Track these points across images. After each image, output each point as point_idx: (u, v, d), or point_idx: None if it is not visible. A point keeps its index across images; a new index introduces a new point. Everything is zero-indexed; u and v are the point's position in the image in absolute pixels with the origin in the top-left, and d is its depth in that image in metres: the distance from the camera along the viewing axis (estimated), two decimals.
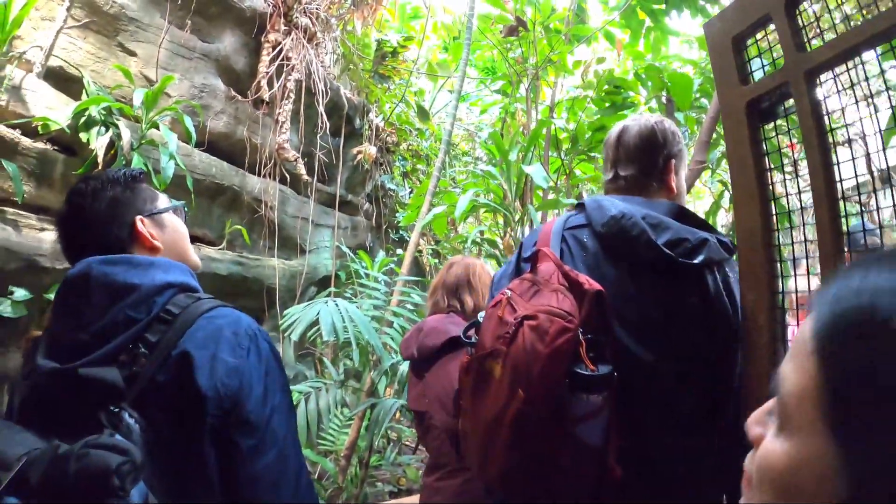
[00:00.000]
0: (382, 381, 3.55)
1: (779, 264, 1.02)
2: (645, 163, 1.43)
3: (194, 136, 3.71)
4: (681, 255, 1.22)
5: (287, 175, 5.06)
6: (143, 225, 1.17)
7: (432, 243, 6.93)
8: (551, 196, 4.53)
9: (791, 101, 1.07)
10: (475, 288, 2.26)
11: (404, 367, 3.49)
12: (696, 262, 1.21)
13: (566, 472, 1.13)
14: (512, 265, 1.49)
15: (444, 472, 2.03)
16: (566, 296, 1.15)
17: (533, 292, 1.20)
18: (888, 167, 1.54)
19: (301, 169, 4.89)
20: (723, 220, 5.61)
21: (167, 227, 1.22)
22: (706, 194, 7.66)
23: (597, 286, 1.16)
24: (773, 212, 1.03)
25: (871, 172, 2.10)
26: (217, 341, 1.04)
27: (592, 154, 5.25)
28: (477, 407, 1.22)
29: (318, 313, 3.10)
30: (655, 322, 1.24)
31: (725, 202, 5.10)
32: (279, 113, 4.64)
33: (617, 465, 1.12)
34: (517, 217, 4.01)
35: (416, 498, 2.37)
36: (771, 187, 1.05)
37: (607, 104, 4.99)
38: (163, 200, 1.24)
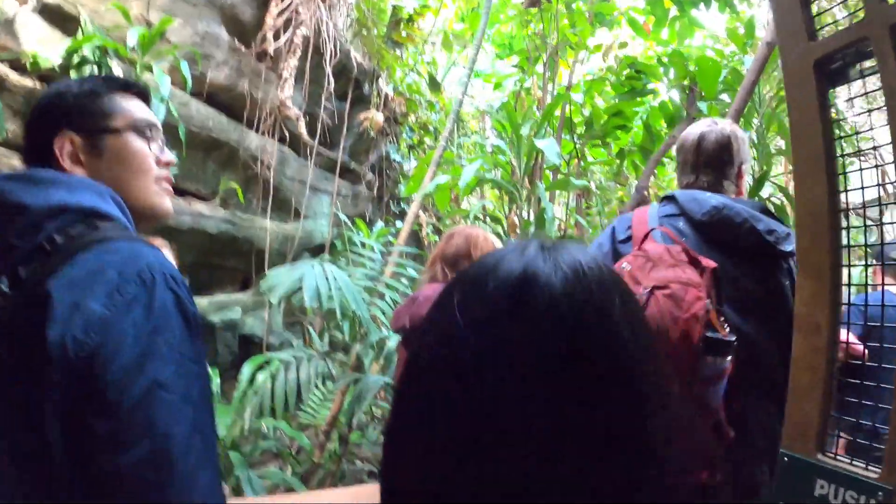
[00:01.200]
0: (369, 356, 3.38)
1: (847, 251, 0.85)
2: (724, 168, 1.63)
3: (190, 83, 3.51)
4: (776, 241, 1.41)
5: (287, 135, 4.86)
6: (70, 144, 0.95)
7: (434, 219, 6.74)
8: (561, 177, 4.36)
9: (870, 63, 0.90)
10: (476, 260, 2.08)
11: (391, 342, 3.33)
12: (788, 249, 1.42)
13: (688, 432, 1.19)
14: (607, 246, 1.65)
15: None
16: (691, 269, 1.27)
17: (650, 267, 1.33)
18: None
19: (302, 128, 4.69)
20: None
21: (106, 152, 0.98)
22: None
23: (713, 263, 1.28)
24: (843, 188, 0.86)
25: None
26: (91, 283, 0.76)
27: (607, 140, 5.09)
28: None
29: (301, 277, 2.90)
30: (755, 299, 1.42)
31: None
32: (283, 68, 4.44)
33: (730, 426, 1.24)
34: (524, 195, 3.82)
35: None
36: (841, 160, 0.87)
37: (627, 89, 4.83)
38: (120, 120, 0.99)
